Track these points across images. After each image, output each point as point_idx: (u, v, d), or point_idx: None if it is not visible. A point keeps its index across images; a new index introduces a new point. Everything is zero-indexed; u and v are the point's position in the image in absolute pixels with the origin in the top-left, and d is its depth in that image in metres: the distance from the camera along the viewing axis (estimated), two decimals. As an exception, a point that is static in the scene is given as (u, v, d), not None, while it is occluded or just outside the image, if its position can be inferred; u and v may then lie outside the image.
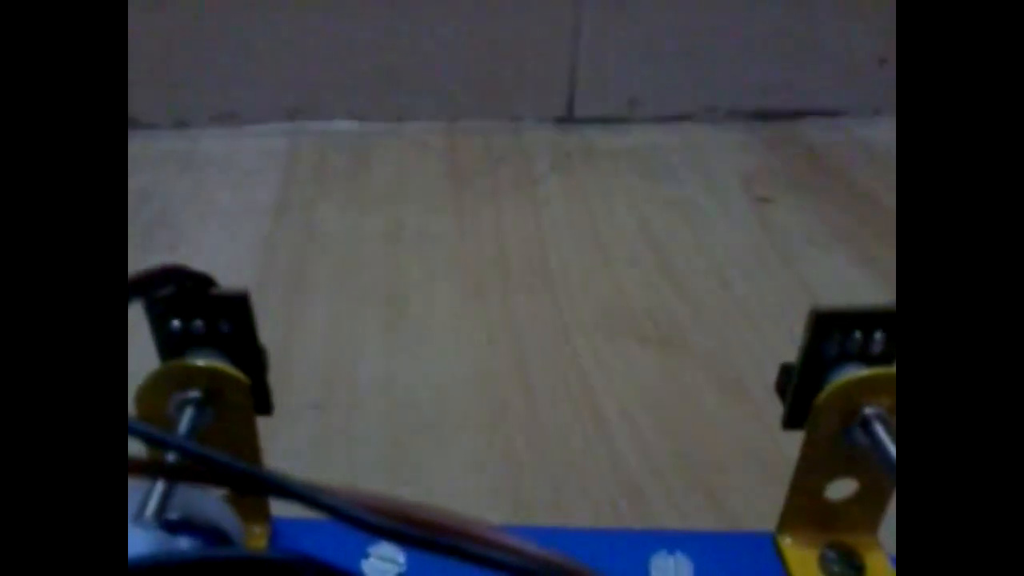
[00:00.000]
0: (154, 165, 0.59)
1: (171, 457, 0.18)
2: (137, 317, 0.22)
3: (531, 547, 0.14)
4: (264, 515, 0.25)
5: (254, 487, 0.15)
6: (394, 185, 0.58)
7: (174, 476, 0.17)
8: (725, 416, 0.38)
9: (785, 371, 0.23)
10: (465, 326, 0.44)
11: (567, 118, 0.65)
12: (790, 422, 0.23)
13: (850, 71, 0.66)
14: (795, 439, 0.23)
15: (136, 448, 0.15)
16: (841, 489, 0.24)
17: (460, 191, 0.57)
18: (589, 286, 0.48)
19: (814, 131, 0.66)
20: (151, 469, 0.17)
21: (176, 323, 0.22)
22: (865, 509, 0.24)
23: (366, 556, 0.24)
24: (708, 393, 0.40)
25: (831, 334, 0.22)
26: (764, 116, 0.67)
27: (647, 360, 0.42)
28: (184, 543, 0.18)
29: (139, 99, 0.62)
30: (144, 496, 0.18)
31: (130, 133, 0.62)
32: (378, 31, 0.62)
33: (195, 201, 0.55)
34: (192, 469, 0.15)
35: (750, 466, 0.35)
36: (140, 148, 0.61)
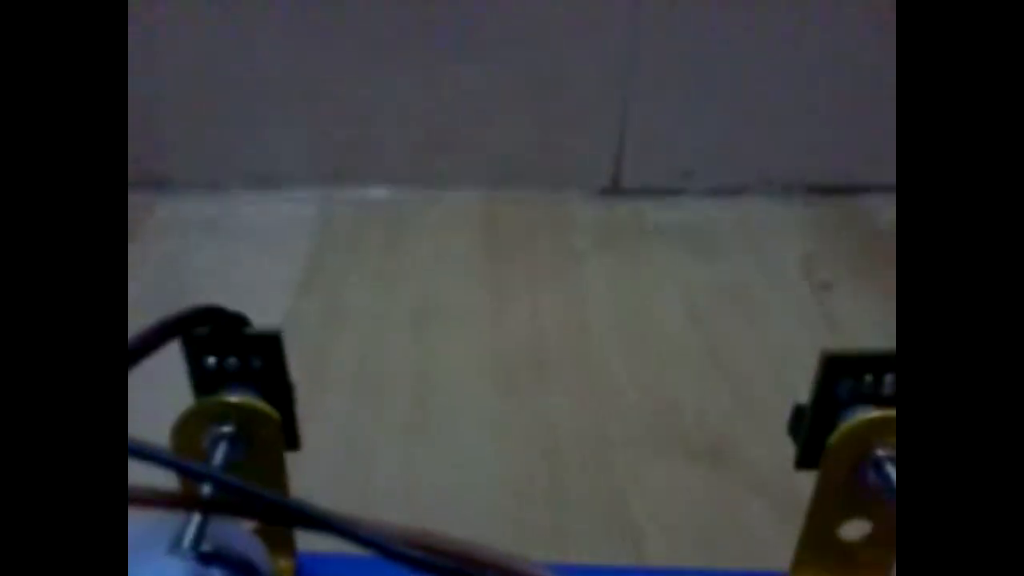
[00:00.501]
0: (181, 230, 0.57)
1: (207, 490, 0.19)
2: (174, 355, 0.22)
3: None
4: (290, 549, 0.25)
5: (291, 519, 0.16)
6: (427, 258, 0.55)
7: (215, 509, 0.18)
8: (782, 546, 0.34)
9: (797, 412, 0.23)
10: (495, 429, 0.40)
11: (613, 189, 0.62)
12: (802, 462, 0.23)
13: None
14: None
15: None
16: (855, 530, 0.24)
17: (497, 267, 0.54)
18: (633, 383, 0.43)
19: (878, 207, 0.61)
20: (193, 502, 0.18)
21: (211, 360, 0.23)
22: (878, 550, 0.24)
23: None
24: (763, 520, 0.35)
25: (842, 377, 0.22)
26: (824, 190, 0.62)
27: (695, 477, 0.37)
28: (217, 575, 0.18)
29: (173, 158, 0.60)
30: (180, 528, 0.18)
31: (161, 194, 0.60)
32: (417, 95, 0.59)
33: (219, 271, 0.53)
34: (234, 503, 0.16)
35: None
36: (170, 211, 0.59)
